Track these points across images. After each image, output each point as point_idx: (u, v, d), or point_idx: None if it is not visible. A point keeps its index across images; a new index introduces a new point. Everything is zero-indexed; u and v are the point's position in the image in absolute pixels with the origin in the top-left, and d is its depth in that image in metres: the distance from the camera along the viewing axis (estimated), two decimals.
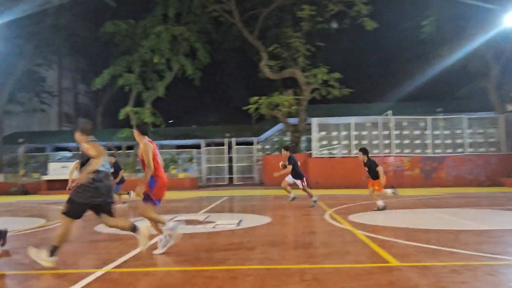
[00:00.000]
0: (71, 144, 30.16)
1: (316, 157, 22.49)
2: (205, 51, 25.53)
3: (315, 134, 22.75)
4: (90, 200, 5.38)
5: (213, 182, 27.47)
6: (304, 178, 11.98)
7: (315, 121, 23.01)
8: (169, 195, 18.42)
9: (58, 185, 21.84)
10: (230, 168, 27.60)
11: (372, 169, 10.73)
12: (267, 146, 28.54)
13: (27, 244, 7.31)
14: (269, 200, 15.79)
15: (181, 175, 23.75)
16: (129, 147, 26.45)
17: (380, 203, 10.85)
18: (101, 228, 8.91)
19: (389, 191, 11.49)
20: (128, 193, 14.14)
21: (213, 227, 8.68)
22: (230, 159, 27.58)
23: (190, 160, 26.86)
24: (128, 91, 25.28)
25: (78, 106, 44.46)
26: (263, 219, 9.62)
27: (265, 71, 24.55)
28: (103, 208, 5.61)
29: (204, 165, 27.57)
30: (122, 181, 13.84)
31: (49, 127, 38.60)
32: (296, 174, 11.97)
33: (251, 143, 28.06)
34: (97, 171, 5.34)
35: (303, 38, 23.95)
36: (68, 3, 24.38)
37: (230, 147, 27.46)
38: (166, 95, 25.73)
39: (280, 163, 12.25)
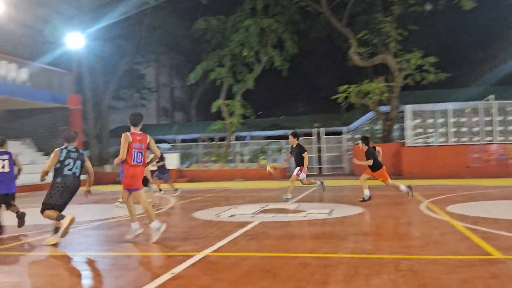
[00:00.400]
0: (168, 137, 32.02)
1: (410, 146, 21.60)
2: (292, 42, 25.59)
3: (409, 122, 21.83)
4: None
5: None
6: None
7: (408, 109, 22.07)
8: (258, 185, 18.88)
9: None
10: (319, 158, 27.47)
11: (369, 158, 10.31)
12: (357, 136, 27.95)
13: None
14: (361, 190, 15.50)
15: (270, 165, 24.21)
16: (221, 139, 27.41)
17: (366, 192, 10.43)
18: (198, 214, 9.44)
19: (403, 188, 10.47)
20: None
21: (304, 216, 8.79)
22: (319, 149, 27.44)
23: (279, 150, 27.19)
24: (220, 85, 26.17)
25: (174, 101, 46.93)
26: (355, 209, 9.53)
27: (354, 58, 23.99)
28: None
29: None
30: (166, 171, 14.40)
31: (149, 121, 41.26)
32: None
33: (340, 133, 27.68)
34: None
35: (394, 22, 22.99)
36: (163, 3, 25.78)
37: (318, 137, 27.33)
38: (255, 86, 26.24)
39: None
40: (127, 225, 8.36)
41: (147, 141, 6.67)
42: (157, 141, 29.51)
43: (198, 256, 5.40)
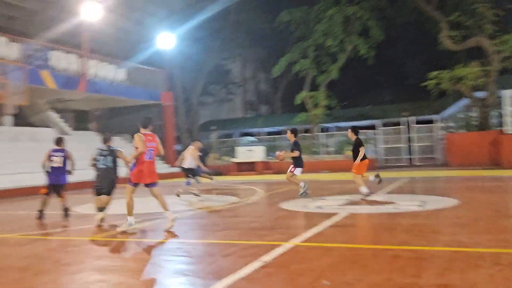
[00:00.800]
0: (254, 129, 32.66)
1: (509, 134, 19.99)
2: (378, 29, 24.73)
3: (508, 108, 20.20)
4: None
5: (391, 163, 26.68)
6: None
7: (507, 94, 20.40)
8: (346, 176, 18.61)
9: (245, 167, 23.95)
10: (409, 149, 26.39)
11: (356, 149, 9.95)
12: (451, 124, 26.38)
13: (224, 218, 8.33)
14: (455, 181, 14.71)
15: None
16: (306, 130, 27.37)
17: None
18: (285, 205, 9.58)
19: (371, 178, 10.17)
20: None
21: (395, 208, 8.56)
22: (409, 139, 26.35)
23: (366, 141, 26.55)
24: (304, 76, 26.10)
25: (259, 94, 47.65)
26: (449, 201, 9.07)
27: (446, 42, 22.63)
28: None
29: (381, 146, 26.94)
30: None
31: (235, 114, 42.37)
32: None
33: (430, 121, 26.32)
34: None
35: (489, 2, 21.32)
36: None
37: (408, 126, 26.23)
38: (339, 76, 25.81)
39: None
40: (217, 215, 8.75)
41: (156, 141, 7.37)
42: (243, 134, 30.15)
43: (287, 246, 5.51)
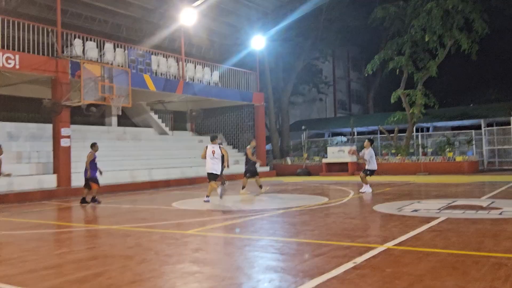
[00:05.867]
0: (345, 129, 32.04)
1: None
2: (482, 21, 22.94)
3: None
4: None
5: (497, 166, 24.67)
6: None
7: None
8: (445, 179, 17.57)
9: (336, 168, 23.60)
10: None
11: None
12: None
13: (315, 218, 8.29)
14: None
15: (459, 159, 22.17)
16: (401, 130, 26.25)
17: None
18: (379, 208, 9.29)
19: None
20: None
21: (500, 214, 7.92)
22: None
23: (469, 142, 24.79)
24: (399, 74, 25.05)
25: (350, 93, 46.73)
26: None
27: None
28: None
29: (485, 147, 25.00)
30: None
31: (326, 114, 41.92)
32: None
33: None
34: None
35: None
36: None
37: None
38: (438, 73, 24.36)
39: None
40: (308, 215, 8.74)
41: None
42: (334, 134, 29.83)
43: (380, 249, 5.35)
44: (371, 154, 12.96)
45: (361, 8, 29.77)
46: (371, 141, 13.48)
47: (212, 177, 11.33)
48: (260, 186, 13.23)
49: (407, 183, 16.46)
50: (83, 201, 12.08)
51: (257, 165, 13.86)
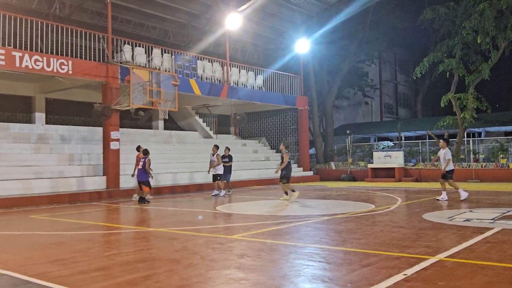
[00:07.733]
0: (392, 134, 31.28)
1: None
2: None
3: None
4: None
5: None
6: None
7: None
8: (498, 187, 16.76)
9: (382, 173, 23.04)
10: None
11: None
12: None
13: (361, 226, 8.10)
14: None
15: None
16: (451, 135, 25.33)
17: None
18: (429, 216, 8.98)
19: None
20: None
21: None
22: None
23: None
24: (449, 77, 24.20)
25: (397, 97, 45.62)
26: None
27: None
28: None
29: None
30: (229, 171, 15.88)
31: (372, 118, 41.10)
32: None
33: None
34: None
35: None
36: None
37: None
38: (491, 76, 23.33)
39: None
40: (353, 221, 8.55)
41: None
42: (380, 139, 29.26)
43: (431, 260, 5.16)
44: (450, 155, 12.16)
45: (409, 9, 29.04)
46: (446, 141, 12.52)
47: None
48: (286, 193, 12.87)
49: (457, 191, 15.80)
50: (142, 200, 12.93)
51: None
